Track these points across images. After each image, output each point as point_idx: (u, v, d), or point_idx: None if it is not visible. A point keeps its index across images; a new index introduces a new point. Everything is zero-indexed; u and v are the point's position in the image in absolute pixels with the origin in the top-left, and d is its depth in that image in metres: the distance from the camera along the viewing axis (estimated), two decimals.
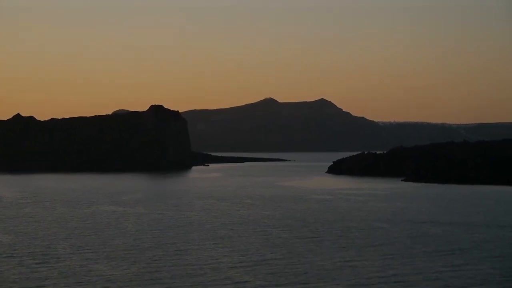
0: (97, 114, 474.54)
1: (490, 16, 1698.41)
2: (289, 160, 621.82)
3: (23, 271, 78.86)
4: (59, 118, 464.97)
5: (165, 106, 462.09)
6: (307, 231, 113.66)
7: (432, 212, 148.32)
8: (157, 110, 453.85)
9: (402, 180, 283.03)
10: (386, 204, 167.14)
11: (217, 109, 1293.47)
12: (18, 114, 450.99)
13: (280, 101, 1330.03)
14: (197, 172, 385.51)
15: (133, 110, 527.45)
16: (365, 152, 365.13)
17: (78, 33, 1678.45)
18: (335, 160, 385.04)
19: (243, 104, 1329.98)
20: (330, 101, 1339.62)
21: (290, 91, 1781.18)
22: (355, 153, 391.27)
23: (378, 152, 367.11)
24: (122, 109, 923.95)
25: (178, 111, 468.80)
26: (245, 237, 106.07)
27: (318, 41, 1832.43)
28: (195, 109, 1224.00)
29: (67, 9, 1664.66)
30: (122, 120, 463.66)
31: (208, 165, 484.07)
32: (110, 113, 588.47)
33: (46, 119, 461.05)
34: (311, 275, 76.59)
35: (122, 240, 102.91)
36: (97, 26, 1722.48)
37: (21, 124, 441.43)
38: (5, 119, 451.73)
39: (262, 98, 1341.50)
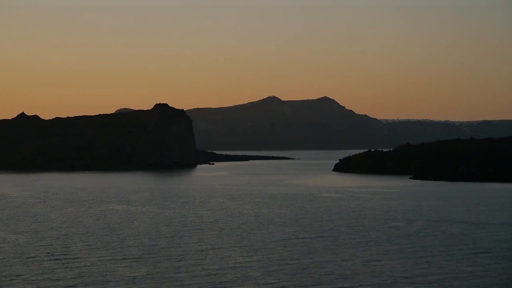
0: (101, 113, 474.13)
1: (493, 15, 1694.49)
2: (294, 158, 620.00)
3: (41, 271, 77.41)
4: (64, 117, 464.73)
5: (168, 105, 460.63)
6: (323, 230, 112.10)
7: (446, 210, 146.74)
8: (162, 108, 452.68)
9: (410, 178, 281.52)
10: (398, 202, 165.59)
11: (220, 108, 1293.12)
12: (23, 113, 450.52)
13: (283, 99, 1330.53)
14: (203, 170, 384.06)
15: (136, 109, 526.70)
16: (372, 150, 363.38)
17: (81, 33, 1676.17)
18: (338, 158, 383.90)
19: (246, 102, 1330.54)
20: (333, 99, 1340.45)
21: (293, 89, 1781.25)
22: (358, 151, 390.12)
23: (384, 150, 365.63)
24: (125, 108, 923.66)
25: (183, 109, 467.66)
26: (261, 237, 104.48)
27: (321, 39, 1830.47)
28: (197, 108, 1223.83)
29: (70, 8, 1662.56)
30: (127, 119, 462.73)
31: (213, 164, 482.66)
32: (113, 111, 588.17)
33: (51, 118, 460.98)
34: (335, 275, 74.98)
35: (138, 240, 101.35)
36: (99, 26, 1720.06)
37: (26, 123, 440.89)
38: (10, 118, 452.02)
39: (265, 97, 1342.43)
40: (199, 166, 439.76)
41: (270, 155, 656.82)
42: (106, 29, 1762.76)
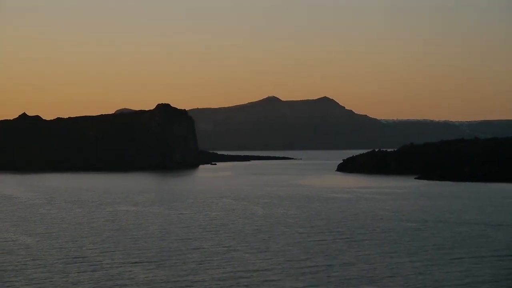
0: (102, 113, 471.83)
1: (494, 14, 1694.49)
2: (296, 159, 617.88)
3: (56, 274, 75.55)
4: (65, 117, 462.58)
5: (170, 105, 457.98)
6: (339, 232, 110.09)
7: (459, 211, 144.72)
8: (164, 109, 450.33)
9: (415, 178, 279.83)
10: (409, 203, 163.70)
11: (220, 108, 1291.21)
12: (24, 114, 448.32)
13: (283, 99, 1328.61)
14: (205, 171, 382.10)
15: (136, 109, 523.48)
16: (376, 150, 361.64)
17: (83, 33, 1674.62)
18: (339, 158, 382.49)
19: (246, 102, 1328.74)
20: (333, 99, 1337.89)
21: (292, 90, 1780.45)
22: (358, 151, 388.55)
23: (389, 150, 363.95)
24: (125, 108, 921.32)
25: (185, 109, 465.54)
26: (277, 239, 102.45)
27: (321, 39, 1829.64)
28: (198, 108, 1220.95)
29: (72, 8, 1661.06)
30: (129, 119, 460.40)
31: (215, 164, 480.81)
32: (112, 112, 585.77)
33: (52, 119, 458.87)
34: (359, 279, 72.91)
35: (152, 242, 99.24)
36: (100, 26, 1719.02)
37: (27, 124, 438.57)
38: (12, 119, 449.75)
39: (265, 97, 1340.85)
40: (201, 167, 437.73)
41: (271, 155, 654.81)
42: (107, 29, 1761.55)
